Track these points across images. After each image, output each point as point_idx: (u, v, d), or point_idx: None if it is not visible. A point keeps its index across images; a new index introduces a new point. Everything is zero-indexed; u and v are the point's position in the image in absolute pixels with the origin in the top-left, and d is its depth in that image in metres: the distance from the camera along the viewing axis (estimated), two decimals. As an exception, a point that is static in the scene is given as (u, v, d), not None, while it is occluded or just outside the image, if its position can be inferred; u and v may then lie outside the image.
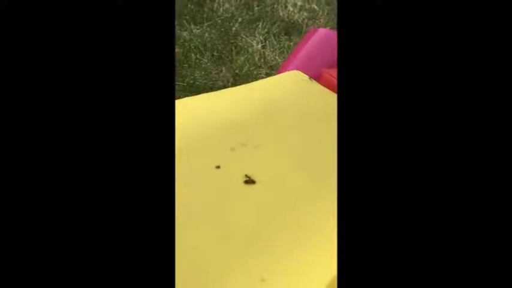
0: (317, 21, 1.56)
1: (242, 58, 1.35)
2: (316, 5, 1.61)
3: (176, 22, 1.43)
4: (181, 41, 1.36)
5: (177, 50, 1.34)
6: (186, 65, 1.29)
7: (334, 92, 0.74)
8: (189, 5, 1.51)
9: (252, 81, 1.21)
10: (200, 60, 1.32)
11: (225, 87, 1.23)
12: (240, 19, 1.49)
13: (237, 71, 1.30)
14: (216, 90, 0.73)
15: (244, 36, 1.43)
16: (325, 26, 1.52)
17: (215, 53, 1.35)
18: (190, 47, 1.34)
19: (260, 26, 1.47)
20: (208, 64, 1.31)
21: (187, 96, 0.71)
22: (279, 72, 0.84)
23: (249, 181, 0.51)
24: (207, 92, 0.84)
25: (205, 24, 1.44)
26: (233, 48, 1.38)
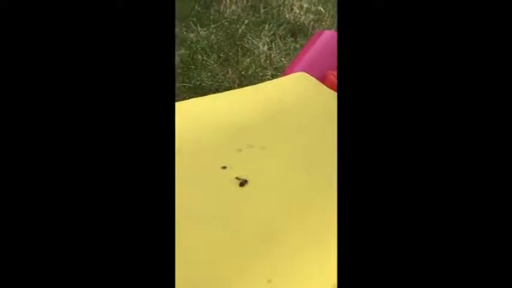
0: (323, 23, 1.57)
1: (248, 60, 1.35)
2: (322, 7, 1.62)
3: (183, 24, 1.44)
4: (188, 42, 1.37)
5: (183, 51, 1.35)
6: (192, 67, 1.30)
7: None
8: (195, 7, 1.52)
9: (258, 82, 1.22)
10: (207, 61, 1.32)
11: (231, 88, 1.24)
12: (246, 21, 1.49)
13: (243, 73, 1.31)
14: (222, 92, 0.73)
15: (250, 38, 1.43)
16: (331, 28, 1.53)
17: (221, 55, 1.36)
18: (197, 48, 1.35)
19: (266, 28, 1.48)
20: (215, 65, 1.32)
21: (194, 97, 0.72)
22: (285, 74, 0.84)
23: (243, 183, 0.51)
24: (213, 93, 0.85)
25: (212, 26, 1.45)
26: (239, 50, 1.39)
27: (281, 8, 1.59)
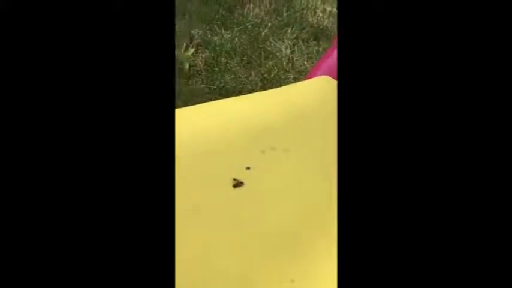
0: (346, 26, 1.57)
1: (271, 63, 1.37)
2: (345, 11, 1.62)
3: (208, 27, 1.47)
4: (212, 45, 1.40)
5: (208, 54, 1.38)
6: (216, 69, 1.32)
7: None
8: (220, 11, 1.54)
9: (280, 85, 1.23)
10: (230, 64, 1.35)
11: (253, 90, 1.26)
12: (269, 24, 1.51)
13: (265, 75, 1.33)
14: (245, 94, 0.75)
15: (273, 41, 1.45)
16: (353, 32, 1.52)
17: (244, 58, 1.38)
18: (221, 51, 1.38)
19: (289, 31, 1.49)
20: (238, 68, 1.34)
21: (218, 98, 0.74)
22: (308, 78, 0.85)
23: (238, 184, 0.52)
24: (236, 95, 0.87)
25: (236, 29, 1.48)
26: (262, 53, 1.41)
27: (304, 12, 1.60)
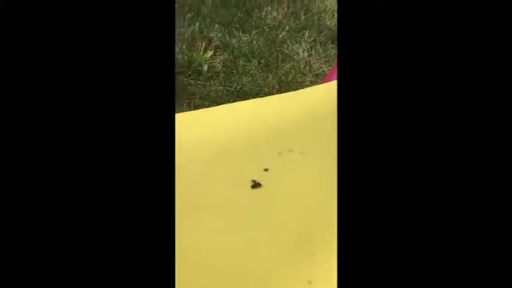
0: (363, 30, 1.57)
1: (288, 65, 1.38)
2: (363, 14, 1.62)
3: (226, 30, 1.48)
4: (230, 48, 1.41)
5: (226, 56, 1.39)
6: (234, 71, 1.34)
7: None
8: (238, 13, 1.56)
9: (297, 88, 1.24)
10: (248, 66, 1.36)
11: (270, 93, 1.26)
12: (287, 27, 1.52)
13: (282, 78, 1.34)
14: (263, 96, 0.76)
15: (290, 44, 1.46)
16: (371, 35, 1.52)
17: (262, 60, 1.39)
18: (239, 53, 1.39)
19: (307, 34, 1.50)
20: (255, 71, 1.35)
21: (235, 100, 0.75)
22: (326, 81, 0.86)
23: (256, 185, 0.52)
24: (253, 97, 0.88)
25: (254, 32, 1.49)
26: (279, 55, 1.42)
27: (322, 15, 1.60)
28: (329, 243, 0.47)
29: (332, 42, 1.50)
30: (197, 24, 1.48)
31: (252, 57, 1.39)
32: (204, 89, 1.29)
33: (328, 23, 1.57)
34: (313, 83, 1.31)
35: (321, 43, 1.48)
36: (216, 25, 1.50)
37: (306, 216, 0.50)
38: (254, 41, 1.45)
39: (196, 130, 0.60)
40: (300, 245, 0.47)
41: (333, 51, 1.45)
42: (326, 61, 1.41)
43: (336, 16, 1.60)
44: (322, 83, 0.91)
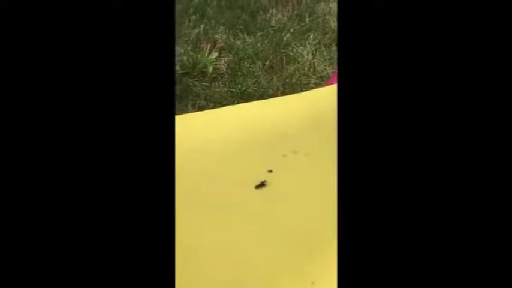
0: (368, 33, 1.57)
1: (292, 68, 1.38)
2: (368, 17, 1.63)
3: (231, 32, 1.49)
4: (235, 50, 1.42)
5: (230, 58, 1.40)
6: (239, 73, 1.34)
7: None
8: (242, 16, 1.57)
9: (301, 90, 1.24)
10: (252, 68, 1.37)
11: (275, 95, 1.27)
12: (291, 30, 1.53)
13: (287, 80, 1.34)
14: (267, 98, 0.76)
15: (295, 46, 1.46)
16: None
17: (266, 62, 1.39)
18: (243, 55, 1.40)
19: (311, 36, 1.51)
20: (260, 72, 1.36)
21: (240, 102, 0.76)
22: (330, 83, 0.86)
23: (260, 185, 0.53)
24: (257, 99, 0.88)
25: (258, 34, 1.49)
26: (284, 57, 1.42)
27: (327, 17, 1.61)
28: (332, 245, 0.47)
29: (336, 45, 1.50)
30: (202, 26, 1.49)
31: (257, 59, 1.40)
32: (208, 91, 1.30)
33: (332, 25, 1.58)
34: (317, 85, 1.32)
35: (325, 45, 1.48)
36: (221, 27, 1.50)
37: (309, 218, 0.51)
38: (259, 43, 1.46)
39: (201, 131, 0.61)
40: (304, 245, 0.47)
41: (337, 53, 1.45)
42: (330, 63, 1.41)
43: (340, 19, 1.60)
44: (326, 85, 0.91)
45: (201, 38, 1.46)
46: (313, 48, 1.46)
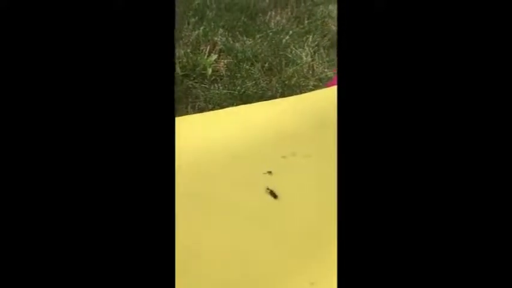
0: (366, 35, 1.58)
1: (291, 69, 1.39)
2: (366, 20, 1.63)
3: (230, 34, 1.50)
4: (234, 52, 1.43)
5: (230, 60, 1.41)
6: (238, 75, 1.35)
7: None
8: (242, 18, 1.57)
9: (300, 92, 1.25)
10: (251, 70, 1.37)
11: (274, 97, 1.28)
12: (290, 32, 1.53)
13: (286, 82, 1.35)
14: (266, 100, 0.77)
15: (294, 48, 1.47)
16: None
17: (266, 64, 1.40)
18: (242, 57, 1.41)
19: (310, 39, 1.51)
20: (259, 74, 1.36)
21: (239, 104, 0.76)
22: (329, 86, 0.87)
23: (272, 194, 0.53)
24: (257, 101, 0.89)
25: (257, 36, 1.50)
26: (283, 59, 1.43)
27: (326, 19, 1.62)
28: (332, 246, 0.48)
29: (335, 47, 1.51)
30: (202, 28, 1.50)
31: (256, 61, 1.41)
32: (208, 92, 1.31)
33: (331, 27, 1.59)
34: (316, 87, 1.32)
35: (324, 47, 1.49)
36: (220, 29, 1.51)
37: (308, 219, 0.51)
38: (258, 45, 1.46)
39: (200, 133, 0.61)
40: (303, 246, 0.48)
41: (336, 56, 1.46)
42: (329, 65, 1.42)
43: (339, 21, 1.61)
44: (325, 87, 0.92)
45: (201, 40, 1.46)
46: (312, 51, 1.46)
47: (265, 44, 1.47)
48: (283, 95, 1.27)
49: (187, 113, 1.16)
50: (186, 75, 1.34)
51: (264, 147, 0.61)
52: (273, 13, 1.61)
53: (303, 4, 1.66)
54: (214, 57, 1.40)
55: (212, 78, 1.35)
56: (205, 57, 1.40)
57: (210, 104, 1.27)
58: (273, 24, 1.57)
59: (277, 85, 1.34)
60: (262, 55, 1.43)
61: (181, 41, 1.44)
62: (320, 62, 1.43)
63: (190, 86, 1.32)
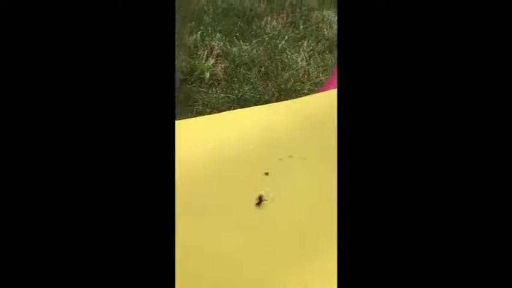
0: (360, 40, 1.60)
1: (287, 74, 1.42)
2: (360, 25, 1.66)
3: (227, 39, 1.52)
4: (231, 56, 1.45)
5: (227, 64, 1.43)
6: (235, 79, 1.37)
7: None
8: (238, 23, 1.60)
9: (296, 96, 1.27)
10: (248, 74, 1.40)
11: (270, 101, 1.30)
12: (286, 37, 1.56)
13: (282, 86, 1.37)
14: (263, 104, 0.79)
15: (289, 53, 1.50)
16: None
17: (262, 69, 1.43)
18: (239, 62, 1.43)
19: (305, 44, 1.54)
20: (256, 79, 1.39)
21: (236, 107, 0.77)
22: (323, 90, 0.89)
23: (260, 202, 0.53)
24: (253, 105, 0.91)
25: (254, 41, 1.53)
26: (279, 64, 1.45)
27: (320, 25, 1.64)
28: (327, 249, 0.48)
29: (330, 52, 1.54)
30: (199, 33, 1.52)
31: (253, 65, 1.43)
32: (205, 96, 1.33)
33: (326, 33, 1.61)
34: (311, 91, 1.35)
35: (318, 52, 1.51)
36: (218, 34, 1.53)
37: (304, 221, 0.52)
38: (254, 50, 1.49)
39: (198, 136, 0.63)
40: (298, 249, 0.48)
41: (331, 60, 1.48)
42: (324, 70, 1.44)
43: (333, 27, 1.64)
44: (319, 91, 0.94)
45: (198, 45, 1.48)
46: (307, 55, 1.49)
47: (261, 48, 1.50)
48: (279, 99, 1.29)
49: (185, 117, 1.18)
50: (184, 80, 1.36)
51: (261, 149, 0.62)
52: (269, 18, 1.63)
53: (298, 9, 1.69)
54: (211, 61, 1.42)
55: (210, 83, 1.37)
56: (203, 61, 1.42)
57: (208, 107, 1.29)
58: (269, 29, 1.59)
59: (273, 89, 1.36)
60: (259, 60, 1.45)
61: (178, 46, 1.46)
62: (315, 66, 1.46)
63: (188, 90, 1.34)
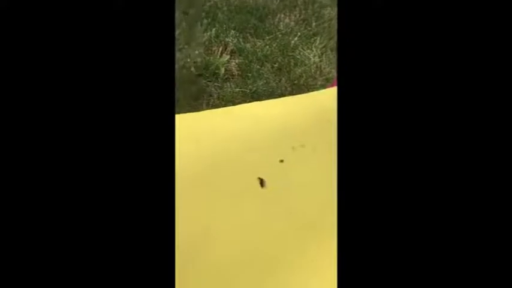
0: (372, 37, 1.62)
1: (300, 70, 1.45)
2: (372, 22, 1.67)
3: (241, 35, 1.56)
4: (245, 52, 1.48)
5: (241, 60, 1.46)
6: (249, 74, 1.41)
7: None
8: (252, 20, 1.63)
9: (308, 91, 1.30)
10: (261, 70, 1.43)
11: (283, 95, 1.33)
12: (299, 34, 1.58)
13: (295, 82, 1.40)
14: (276, 98, 0.81)
15: (302, 49, 1.52)
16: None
17: (275, 65, 1.46)
18: (253, 58, 1.46)
19: (318, 40, 1.56)
20: (269, 74, 1.42)
21: (250, 101, 0.81)
22: (334, 85, 0.92)
23: (262, 182, 0.56)
24: (267, 99, 0.93)
25: (267, 37, 1.55)
26: (292, 60, 1.48)
27: (332, 22, 1.66)
28: (333, 231, 0.51)
29: (341, 48, 1.55)
30: (214, 30, 1.55)
31: (266, 61, 1.46)
32: (220, 91, 1.36)
33: (338, 29, 1.63)
34: (323, 87, 1.38)
35: (331, 49, 1.54)
36: (232, 31, 1.56)
37: (313, 205, 0.55)
38: (267, 46, 1.52)
39: (215, 127, 0.66)
40: (307, 231, 0.51)
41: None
42: (336, 66, 1.47)
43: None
44: (331, 86, 0.96)
45: (213, 41, 1.52)
46: (319, 52, 1.52)
47: (274, 45, 1.52)
48: (292, 94, 1.32)
49: (201, 109, 1.22)
50: (200, 75, 1.40)
51: (275, 139, 0.64)
52: (282, 15, 1.66)
53: (310, 7, 1.71)
54: (226, 57, 1.45)
55: (225, 78, 1.40)
56: (218, 57, 1.45)
57: (223, 101, 1.33)
58: (282, 26, 1.62)
59: (286, 84, 1.39)
60: (272, 56, 1.48)
61: (194, 42, 1.50)
62: (327, 62, 1.49)
63: (204, 84, 1.38)
